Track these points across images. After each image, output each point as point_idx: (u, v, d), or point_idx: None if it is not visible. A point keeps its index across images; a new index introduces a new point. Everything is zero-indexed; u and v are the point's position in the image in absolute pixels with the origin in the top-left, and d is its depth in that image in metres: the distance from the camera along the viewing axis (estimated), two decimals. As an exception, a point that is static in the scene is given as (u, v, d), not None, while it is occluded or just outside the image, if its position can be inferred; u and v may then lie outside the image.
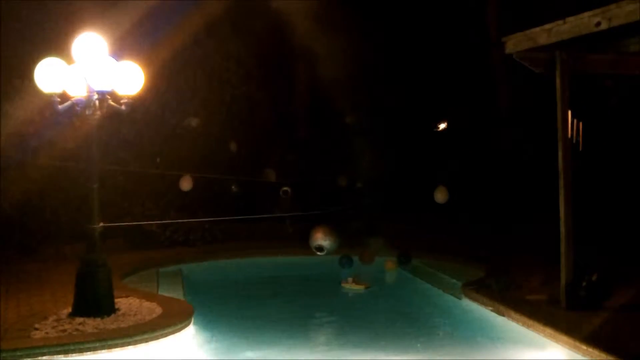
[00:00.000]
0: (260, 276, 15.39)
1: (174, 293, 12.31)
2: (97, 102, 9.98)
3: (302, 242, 15.99)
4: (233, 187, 19.43)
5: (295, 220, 18.32)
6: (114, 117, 10.65)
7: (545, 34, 10.16)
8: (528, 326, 9.99)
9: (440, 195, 17.31)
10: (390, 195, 19.00)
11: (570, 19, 9.65)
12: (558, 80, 10.59)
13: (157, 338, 9.37)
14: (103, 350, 8.86)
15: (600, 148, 10.83)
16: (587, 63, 10.94)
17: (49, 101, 10.14)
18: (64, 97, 10.04)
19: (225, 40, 19.05)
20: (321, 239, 15.28)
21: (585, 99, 10.83)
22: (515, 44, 10.78)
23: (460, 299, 12.29)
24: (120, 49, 10.69)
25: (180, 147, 18.31)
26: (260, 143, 20.08)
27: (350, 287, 14.34)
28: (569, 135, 10.58)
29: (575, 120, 10.55)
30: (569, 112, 10.53)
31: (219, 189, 19.05)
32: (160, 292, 12.36)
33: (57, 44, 11.12)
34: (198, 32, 17.96)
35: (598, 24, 9.20)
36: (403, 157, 19.81)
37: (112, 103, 10.17)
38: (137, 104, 10.69)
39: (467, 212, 17.44)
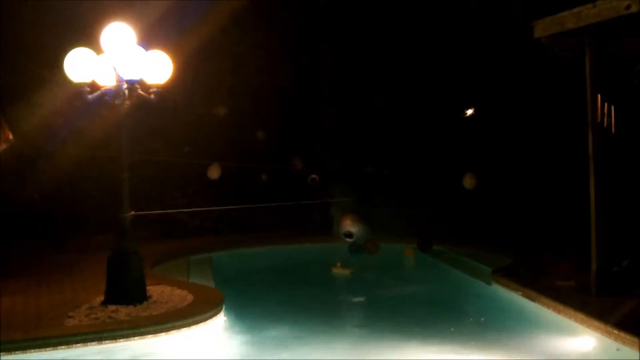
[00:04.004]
0: (289, 263, 15.42)
1: (205, 281, 12.41)
2: (126, 92, 10.07)
3: (329, 230, 16.11)
4: (263, 176, 19.51)
5: (322, 208, 18.34)
6: (143, 106, 10.70)
7: (574, 18, 10.07)
8: (559, 312, 9.98)
9: (469, 182, 17.35)
10: (413, 183, 18.95)
11: (600, 2, 9.58)
12: (588, 65, 10.52)
13: (189, 325, 9.44)
14: (136, 338, 8.94)
15: (633, 132, 10.68)
16: (616, 47, 10.83)
17: (78, 91, 10.22)
18: (93, 86, 10.13)
19: (252, 28, 19.03)
20: (350, 226, 15.49)
21: (616, 84, 10.70)
22: (544, 28, 10.70)
23: (489, 285, 12.28)
24: (148, 39, 10.72)
25: (208, 136, 18.36)
26: (287, 131, 20.08)
27: (339, 272, 14.71)
28: (599, 120, 10.50)
29: (606, 104, 10.46)
30: (599, 96, 10.45)
31: (247, 177, 19.10)
32: (190, 280, 12.45)
33: (86, 34, 11.17)
34: (224, 21, 17.95)
35: (628, 7, 9.11)
36: (426, 146, 19.72)
37: (141, 92, 10.23)
38: (165, 93, 10.71)
39: (493, 201, 17.34)
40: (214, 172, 18.08)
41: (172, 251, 15.00)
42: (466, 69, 18.69)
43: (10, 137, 12.43)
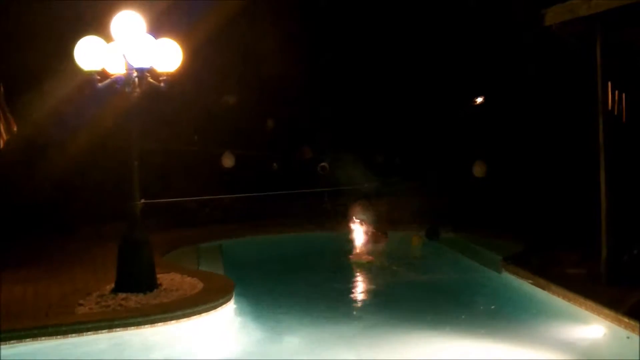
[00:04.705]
0: (299, 251, 15.40)
1: (214, 269, 12.41)
2: (136, 80, 10.07)
3: (339, 218, 16.11)
4: (274, 164, 19.52)
5: (332, 196, 18.34)
6: (152, 95, 10.70)
7: (585, 5, 10.02)
8: (569, 300, 9.96)
9: (479, 170, 17.35)
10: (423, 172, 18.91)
11: (612, -11, 9.54)
12: (598, 52, 10.46)
13: (199, 313, 9.45)
14: (146, 325, 8.96)
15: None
16: (627, 35, 10.77)
17: (88, 80, 10.21)
18: (103, 75, 10.12)
19: (260, 17, 18.99)
20: (361, 212, 15.55)
21: (627, 71, 10.64)
22: (554, 16, 10.65)
23: (500, 273, 12.27)
24: (157, 28, 10.70)
25: (217, 125, 18.36)
26: (295, 120, 20.05)
27: (357, 260, 14.73)
28: (609, 108, 10.45)
29: (617, 92, 10.40)
30: (609, 84, 10.40)
31: (256, 166, 19.12)
32: (200, 268, 12.46)
33: (95, 22, 11.16)
34: (233, 11, 17.90)
35: (640, -7, 9.08)
36: (438, 134, 19.66)
37: (151, 80, 10.23)
38: (175, 83, 10.70)
39: (503, 189, 17.30)
40: (227, 161, 18.11)
41: (182, 239, 15.02)
42: (476, 57, 18.62)
43: (15, 128, 12.45)
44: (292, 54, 19.35)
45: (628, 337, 8.50)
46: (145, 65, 9.96)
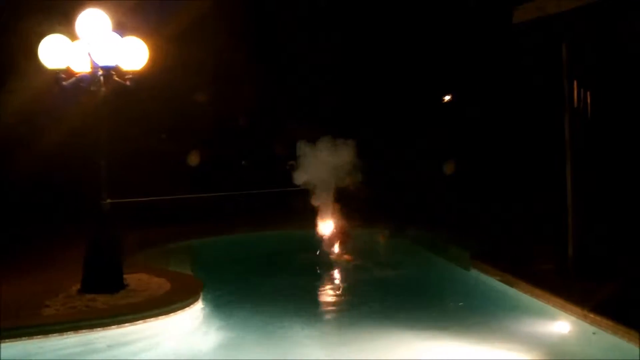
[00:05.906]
0: (270, 250, 15.34)
1: (184, 269, 12.36)
2: (101, 78, 10.01)
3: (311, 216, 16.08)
4: (243, 162, 19.47)
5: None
6: (121, 93, 10.62)
7: (554, 3, 10.08)
8: (536, 296, 10.04)
9: (449, 169, 17.49)
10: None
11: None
12: (564, 51, 10.53)
13: (166, 313, 9.42)
14: (113, 326, 8.91)
15: (611, 118, 10.66)
16: (595, 33, 10.82)
17: (54, 78, 10.13)
18: (68, 73, 10.04)
19: (232, 15, 18.92)
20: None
21: (593, 70, 10.69)
22: (524, 13, 10.70)
23: (468, 270, 12.31)
24: (125, 25, 10.62)
25: (188, 122, 18.28)
26: (269, 119, 20.00)
27: (337, 259, 14.64)
28: (575, 106, 10.52)
29: (582, 90, 10.47)
30: (575, 82, 10.46)
31: (228, 163, 19.07)
32: (170, 268, 12.39)
33: (61, 21, 11.07)
34: (204, 7, 17.82)
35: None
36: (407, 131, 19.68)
37: (117, 79, 10.16)
38: (144, 80, 10.62)
39: (472, 186, 17.35)
40: (193, 158, 18.07)
41: (151, 239, 14.90)
42: (447, 55, 18.69)
43: None
44: (264, 49, 19.36)
45: (594, 333, 8.59)
46: (110, 63, 9.90)
